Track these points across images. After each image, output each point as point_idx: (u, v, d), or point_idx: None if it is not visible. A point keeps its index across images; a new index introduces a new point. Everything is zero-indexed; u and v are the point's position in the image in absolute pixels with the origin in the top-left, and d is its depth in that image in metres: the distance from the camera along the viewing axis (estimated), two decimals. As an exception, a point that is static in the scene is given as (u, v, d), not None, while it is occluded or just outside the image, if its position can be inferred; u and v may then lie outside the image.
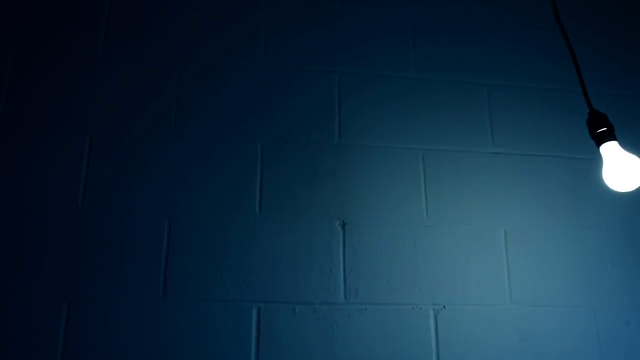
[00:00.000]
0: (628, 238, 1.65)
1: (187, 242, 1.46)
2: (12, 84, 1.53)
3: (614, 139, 1.24)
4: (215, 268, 1.46)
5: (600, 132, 1.23)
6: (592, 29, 1.86)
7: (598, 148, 1.26)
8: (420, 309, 1.50)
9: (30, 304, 1.37)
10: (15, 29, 1.58)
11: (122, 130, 1.53)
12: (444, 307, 1.51)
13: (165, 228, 1.47)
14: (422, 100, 1.68)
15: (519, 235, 1.60)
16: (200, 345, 1.40)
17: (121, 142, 1.52)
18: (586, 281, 1.59)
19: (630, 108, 1.78)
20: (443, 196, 1.60)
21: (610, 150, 1.24)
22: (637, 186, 1.25)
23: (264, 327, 1.43)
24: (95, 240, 1.44)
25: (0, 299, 1.36)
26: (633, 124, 1.75)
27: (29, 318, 1.36)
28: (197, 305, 1.42)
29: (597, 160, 1.69)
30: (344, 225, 1.54)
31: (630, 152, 1.27)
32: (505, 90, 1.74)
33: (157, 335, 1.39)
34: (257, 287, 1.46)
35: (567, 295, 1.57)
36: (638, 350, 1.55)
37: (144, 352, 1.37)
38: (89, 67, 1.57)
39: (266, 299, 1.45)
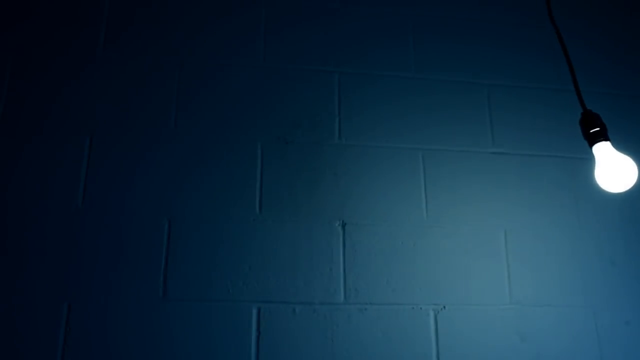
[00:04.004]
0: (628, 238, 1.65)
1: (187, 242, 1.46)
2: (12, 84, 1.53)
3: (606, 139, 1.24)
4: (215, 268, 1.45)
5: (593, 132, 1.23)
6: (591, 29, 1.86)
7: (591, 148, 1.26)
8: (420, 309, 1.50)
9: (30, 304, 1.37)
10: (15, 28, 1.58)
11: (122, 130, 1.53)
12: (444, 307, 1.51)
13: (165, 228, 1.47)
14: (422, 100, 1.68)
15: (519, 235, 1.60)
16: (200, 345, 1.40)
17: (121, 142, 1.52)
18: (586, 281, 1.59)
19: (626, 108, 1.78)
20: (443, 196, 1.60)
21: (603, 151, 1.24)
22: (628, 187, 1.26)
23: (264, 327, 1.43)
24: (95, 240, 1.44)
25: (0, 299, 1.36)
26: (630, 124, 1.75)
27: (29, 318, 1.36)
28: (197, 305, 1.42)
29: (597, 160, 1.70)
30: (344, 225, 1.54)
31: (628, 153, 1.27)
32: (505, 90, 1.74)
33: (156, 335, 1.39)
34: (257, 287, 1.46)
35: (567, 295, 1.57)
36: (638, 350, 1.55)
37: (144, 352, 1.37)
38: (89, 67, 1.57)
39: (266, 299, 1.45)
